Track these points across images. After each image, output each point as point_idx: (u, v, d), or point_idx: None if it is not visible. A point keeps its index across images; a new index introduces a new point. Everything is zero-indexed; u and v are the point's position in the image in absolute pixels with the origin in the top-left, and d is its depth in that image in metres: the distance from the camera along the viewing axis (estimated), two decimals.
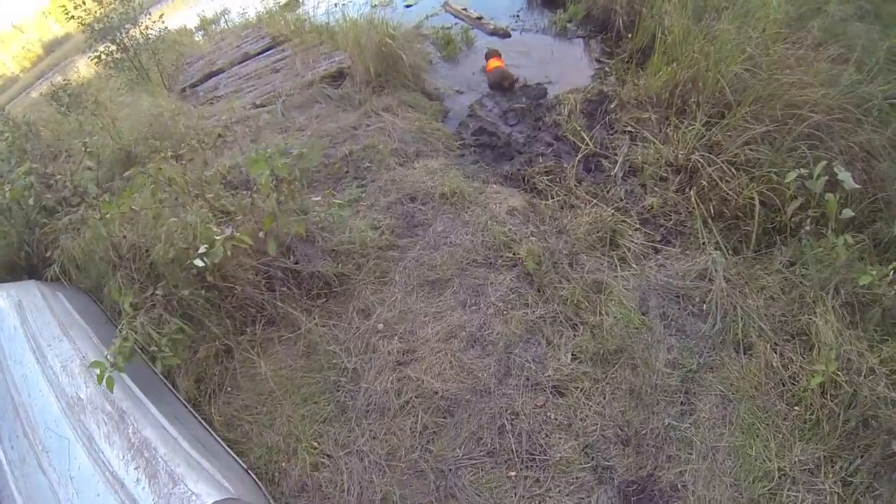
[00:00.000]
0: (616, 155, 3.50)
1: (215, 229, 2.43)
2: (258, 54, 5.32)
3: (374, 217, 3.11)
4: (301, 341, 2.59)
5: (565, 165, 3.53)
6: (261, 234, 2.38)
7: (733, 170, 2.83)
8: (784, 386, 2.19)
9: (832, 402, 2.04)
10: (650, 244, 2.85)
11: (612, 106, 3.91)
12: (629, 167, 3.38)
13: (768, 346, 2.29)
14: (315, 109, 4.34)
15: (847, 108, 2.62)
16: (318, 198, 2.63)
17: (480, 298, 2.60)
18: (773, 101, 2.80)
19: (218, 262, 2.30)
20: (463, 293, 2.63)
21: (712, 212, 2.83)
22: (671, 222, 2.97)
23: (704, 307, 2.47)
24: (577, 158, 3.53)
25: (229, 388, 2.50)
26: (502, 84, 4.42)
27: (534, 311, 2.50)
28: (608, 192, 3.22)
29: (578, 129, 3.79)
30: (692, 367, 2.28)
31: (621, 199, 3.15)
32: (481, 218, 2.97)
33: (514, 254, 2.77)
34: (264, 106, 4.51)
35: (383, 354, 2.47)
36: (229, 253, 2.28)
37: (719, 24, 3.61)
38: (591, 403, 2.21)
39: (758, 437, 2.04)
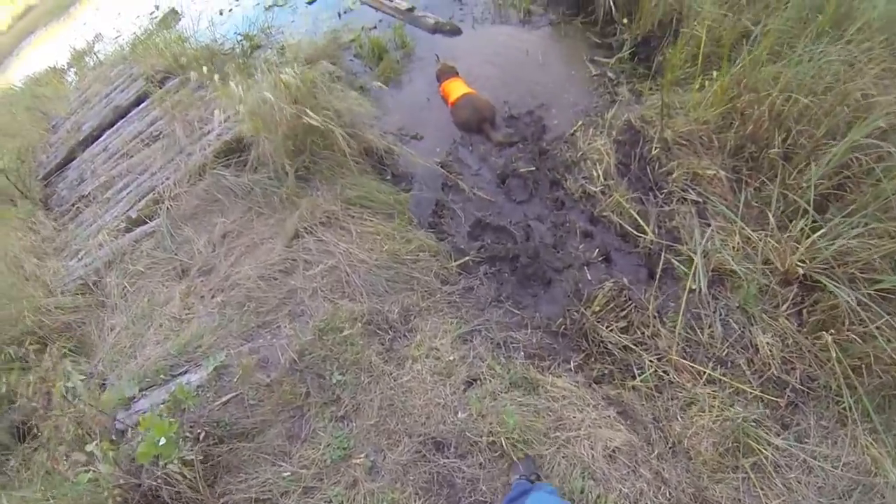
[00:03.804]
0: (685, 244, 2.47)
1: None
2: (130, 108, 4.06)
3: (390, 499, 1.79)
4: None
5: (631, 288, 2.40)
6: None
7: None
8: None
9: None
10: (780, 423, 2.05)
11: (654, 151, 2.71)
12: (712, 270, 2.40)
13: None
14: (218, 225, 2.68)
15: None
16: None
17: None
18: None
19: None
20: None
21: (862, 372, 2.04)
22: (796, 376, 2.15)
23: None
24: (656, 285, 2.38)
25: None
26: (478, 122, 2.86)
27: None
28: (706, 333, 2.25)
29: (626, 206, 2.61)
30: None
31: (723, 343, 2.24)
32: (571, 480, 1.84)
33: None
34: (145, 222, 2.98)
35: None
36: None
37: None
38: None
39: None
